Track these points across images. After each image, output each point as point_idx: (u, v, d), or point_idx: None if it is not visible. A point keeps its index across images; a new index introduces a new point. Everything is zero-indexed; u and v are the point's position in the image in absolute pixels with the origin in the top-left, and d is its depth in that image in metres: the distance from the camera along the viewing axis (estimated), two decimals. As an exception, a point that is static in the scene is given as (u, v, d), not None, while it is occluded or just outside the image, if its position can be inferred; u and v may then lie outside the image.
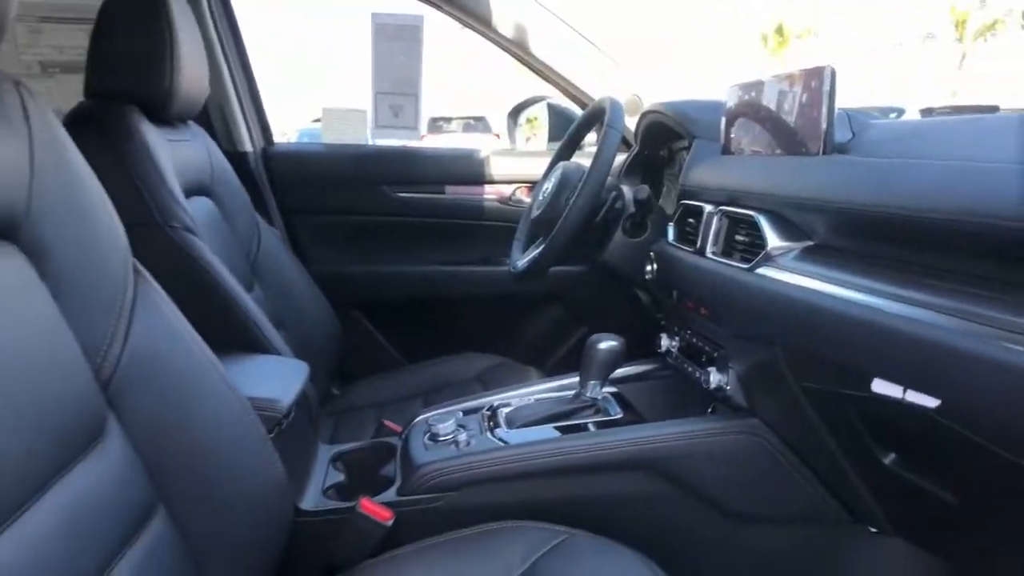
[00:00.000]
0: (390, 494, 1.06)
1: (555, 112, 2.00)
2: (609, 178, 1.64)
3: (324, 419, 1.61)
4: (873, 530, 0.99)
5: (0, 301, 0.63)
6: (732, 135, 1.23)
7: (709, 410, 1.20)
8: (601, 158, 1.31)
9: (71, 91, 1.29)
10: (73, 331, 0.72)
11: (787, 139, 1.05)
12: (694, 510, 1.05)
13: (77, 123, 1.16)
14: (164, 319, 0.83)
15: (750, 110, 1.18)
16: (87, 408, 0.71)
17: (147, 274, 0.84)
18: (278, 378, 1.07)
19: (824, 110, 0.96)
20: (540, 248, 1.41)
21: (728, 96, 1.19)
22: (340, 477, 1.17)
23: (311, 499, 1.08)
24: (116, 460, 0.73)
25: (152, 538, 0.74)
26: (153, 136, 1.22)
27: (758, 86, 1.11)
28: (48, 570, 0.59)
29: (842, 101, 0.98)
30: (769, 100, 1.09)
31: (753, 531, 1.05)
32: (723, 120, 1.23)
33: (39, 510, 0.60)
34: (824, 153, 0.95)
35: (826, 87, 0.96)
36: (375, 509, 0.98)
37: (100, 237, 0.78)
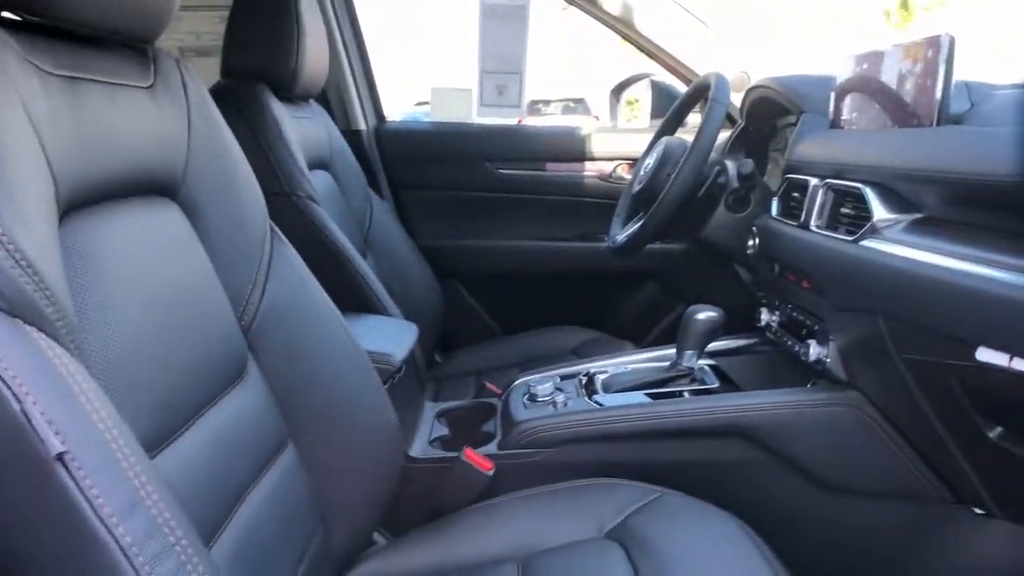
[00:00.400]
0: (491, 447, 1.13)
1: (658, 89, 2.00)
2: (713, 154, 1.64)
3: (428, 383, 1.70)
4: (979, 512, 0.97)
5: (164, 249, 0.73)
6: (842, 108, 1.21)
7: (808, 385, 1.19)
8: (705, 133, 1.31)
9: (205, 74, 1.42)
10: (221, 280, 0.82)
11: (900, 111, 1.03)
12: (786, 479, 1.06)
13: (216, 100, 1.28)
14: (296, 275, 0.92)
15: (862, 82, 1.16)
16: (231, 349, 0.81)
17: (282, 235, 0.93)
18: (392, 336, 1.16)
19: (939, 80, 0.93)
20: (639, 223, 1.44)
21: (840, 69, 1.17)
22: (444, 431, 1.24)
23: (419, 448, 1.17)
24: (254, 397, 0.83)
25: (283, 468, 0.84)
26: (281, 112, 1.33)
27: (871, 57, 1.08)
28: (200, 486, 0.67)
29: (972, 74, 0.95)
30: (882, 71, 1.07)
31: (846, 503, 1.05)
32: (832, 93, 1.21)
33: (193, 433, 0.69)
34: (938, 124, 0.93)
35: (942, 56, 0.93)
36: (478, 459, 1.05)
37: (244, 200, 0.87)
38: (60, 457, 0.42)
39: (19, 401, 0.42)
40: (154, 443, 0.62)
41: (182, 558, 0.47)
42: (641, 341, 1.98)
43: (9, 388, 0.42)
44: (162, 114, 0.75)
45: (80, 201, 0.60)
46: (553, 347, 1.78)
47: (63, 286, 0.51)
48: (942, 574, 1.00)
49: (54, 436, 0.42)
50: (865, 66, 1.10)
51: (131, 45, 0.74)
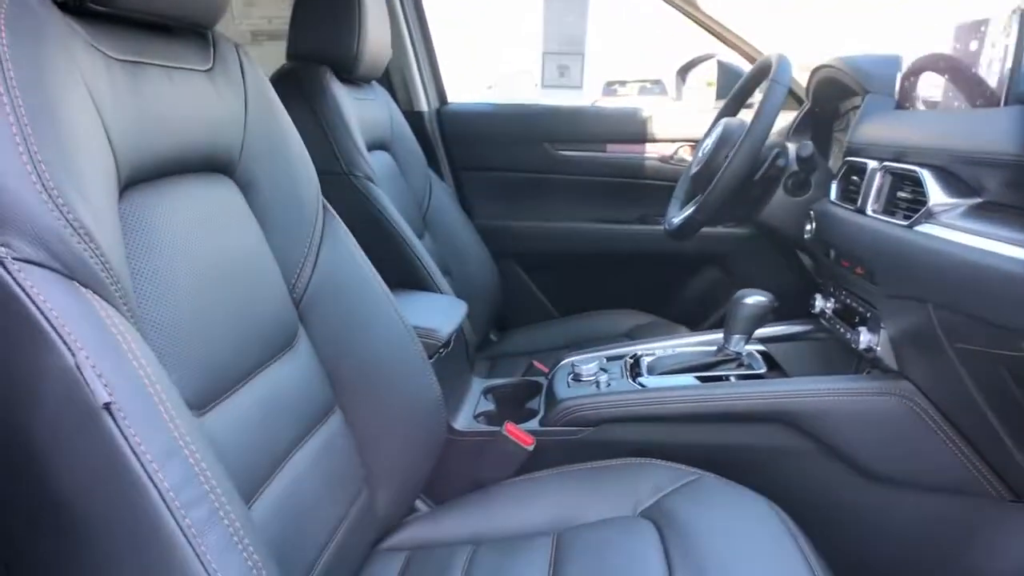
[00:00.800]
0: (533, 424, 1.15)
1: (725, 69, 1.95)
2: (775, 135, 1.60)
3: (481, 361, 1.74)
4: None
5: (219, 223, 0.78)
6: (909, 88, 1.16)
7: (865, 374, 1.16)
8: (762, 114, 1.28)
9: (276, 57, 1.48)
10: (274, 253, 0.86)
11: (969, 90, 0.98)
12: (829, 468, 1.04)
13: (280, 82, 1.34)
14: (347, 251, 0.96)
15: (930, 61, 1.11)
16: (282, 319, 0.85)
17: (334, 212, 0.97)
18: (440, 312, 1.19)
19: (1009, 57, 0.89)
20: (695, 205, 1.42)
21: (906, 48, 1.12)
22: (490, 406, 1.28)
23: (463, 421, 1.20)
24: (303, 365, 0.88)
25: (328, 433, 0.88)
26: (342, 94, 1.38)
27: (942, 36, 1.04)
28: (246, 444, 0.72)
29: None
30: (952, 49, 1.02)
31: (892, 495, 1.02)
32: (899, 73, 1.17)
33: (242, 395, 0.74)
34: (1006, 103, 0.88)
35: (1013, 32, 0.89)
36: (518, 434, 1.08)
37: (297, 178, 0.91)
38: (107, 406, 0.47)
39: (73, 354, 0.47)
40: (204, 402, 0.67)
41: (215, 505, 0.51)
42: (698, 326, 1.96)
43: (64, 342, 0.47)
44: (220, 96, 0.79)
45: (139, 177, 0.65)
46: (607, 330, 1.79)
47: (119, 254, 0.56)
48: (993, 575, 0.96)
49: (102, 387, 0.47)
50: (934, 45, 1.06)
51: (192, 30, 0.79)
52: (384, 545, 0.99)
